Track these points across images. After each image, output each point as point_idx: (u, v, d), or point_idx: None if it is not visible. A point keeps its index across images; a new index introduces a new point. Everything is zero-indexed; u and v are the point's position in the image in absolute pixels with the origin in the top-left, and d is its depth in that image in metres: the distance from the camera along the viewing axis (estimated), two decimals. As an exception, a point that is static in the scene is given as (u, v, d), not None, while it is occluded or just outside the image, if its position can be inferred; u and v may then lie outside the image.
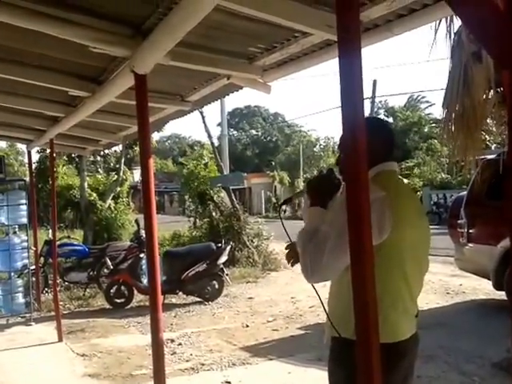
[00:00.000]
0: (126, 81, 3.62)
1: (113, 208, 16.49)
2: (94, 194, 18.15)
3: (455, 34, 5.82)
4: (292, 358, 5.71)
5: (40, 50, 3.85)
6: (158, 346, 3.40)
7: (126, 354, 6.10)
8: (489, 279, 7.42)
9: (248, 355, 5.84)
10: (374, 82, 26.81)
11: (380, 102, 44.33)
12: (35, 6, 2.86)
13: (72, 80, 4.39)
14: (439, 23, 5.70)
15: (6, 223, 8.01)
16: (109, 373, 5.43)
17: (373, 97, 27.36)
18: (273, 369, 5.47)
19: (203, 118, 15.48)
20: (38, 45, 3.69)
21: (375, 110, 32.74)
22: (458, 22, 5.83)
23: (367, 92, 26.21)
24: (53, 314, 7.94)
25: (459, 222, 7.79)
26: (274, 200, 37.81)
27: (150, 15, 2.92)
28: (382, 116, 41.06)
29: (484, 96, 5.69)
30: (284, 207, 36.74)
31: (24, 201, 8.16)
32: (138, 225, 9.45)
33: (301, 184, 36.86)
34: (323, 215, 2.14)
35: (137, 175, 34.88)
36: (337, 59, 1.54)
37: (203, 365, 5.57)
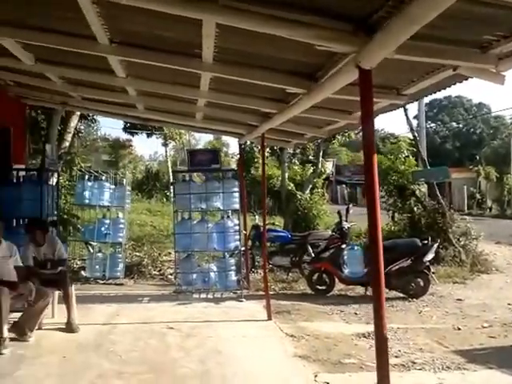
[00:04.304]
0: (347, 76, 3.63)
1: (309, 198, 16.96)
2: (292, 184, 18.89)
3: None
4: (515, 369, 5.25)
5: (263, 51, 4.10)
6: (381, 341, 3.30)
7: (333, 340, 6.21)
8: None
9: (463, 360, 5.52)
10: None
11: None
12: (266, 10, 3.01)
13: (289, 78, 4.57)
14: None
15: (222, 208, 8.77)
16: (318, 357, 5.56)
17: None
18: (493, 378, 5.08)
19: (405, 110, 15.02)
20: (262, 46, 3.91)
21: None
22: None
23: None
24: (260, 293, 8.50)
25: None
26: (478, 196, 35.35)
27: (377, 9, 2.85)
28: None
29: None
30: (490, 205, 34.16)
31: (236, 188, 8.83)
32: (340, 216, 9.57)
33: (511, 180, 34.00)
34: None
35: (328, 167, 35.47)
36: None
37: (414, 363, 5.41)
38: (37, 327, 6.07)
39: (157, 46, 4.32)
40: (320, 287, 8.95)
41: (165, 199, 27.06)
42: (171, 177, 28.74)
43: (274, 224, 12.30)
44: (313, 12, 3.00)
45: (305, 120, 6.48)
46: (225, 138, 44.24)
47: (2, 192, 7.74)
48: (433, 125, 54.28)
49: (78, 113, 12.30)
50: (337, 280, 8.92)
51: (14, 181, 8.09)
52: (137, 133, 28.72)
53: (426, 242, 8.68)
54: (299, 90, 4.72)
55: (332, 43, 3.21)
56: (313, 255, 9.87)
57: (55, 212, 8.79)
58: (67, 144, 12.58)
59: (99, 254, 9.84)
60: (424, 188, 14.18)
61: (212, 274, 8.67)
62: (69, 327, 6.29)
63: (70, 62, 5.45)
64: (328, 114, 6.01)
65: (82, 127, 17.68)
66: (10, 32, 4.46)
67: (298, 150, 22.25)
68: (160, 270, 10.70)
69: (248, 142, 17.73)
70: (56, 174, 9.55)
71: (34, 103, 9.10)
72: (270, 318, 7.01)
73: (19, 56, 5.19)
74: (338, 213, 9.79)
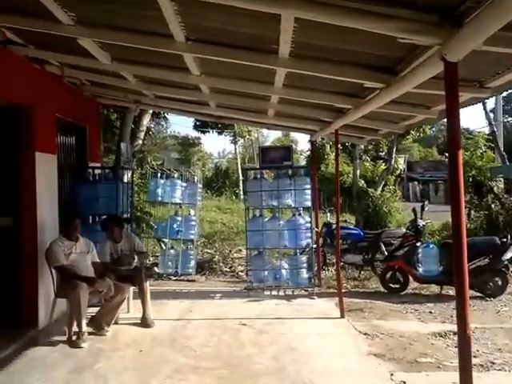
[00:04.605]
0: (431, 70, 3.47)
1: (379, 195, 16.65)
2: (362, 181, 18.59)
3: None
4: None
5: (341, 45, 3.99)
6: (464, 342, 3.13)
7: (408, 339, 6.04)
8: None
9: (546, 362, 5.24)
10: None
11: None
12: (347, 3, 2.94)
13: (367, 72, 4.44)
14: None
15: (293, 205, 8.75)
16: (393, 355, 5.43)
17: None
18: None
19: (484, 104, 14.42)
20: (339, 41, 3.82)
21: None
22: None
23: None
24: (331, 290, 8.43)
25: None
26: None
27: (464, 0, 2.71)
28: None
29: None
30: None
31: (308, 186, 8.77)
32: (415, 213, 9.31)
33: None
34: None
35: (401, 164, 34.59)
36: None
37: (493, 363, 5.19)
38: (113, 322, 6.29)
39: (232, 42, 4.32)
40: (393, 285, 8.76)
41: (234, 197, 27.36)
42: (240, 174, 29.09)
43: (345, 221, 12.15)
44: (396, 4, 2.92)
45: (380, 115, 6.30)
46: (293, 135, 44.17)
47: (79, 190, 8.00)
48: (510, 119, 51.81)
49: (150, 111, 12.59)
50: (411, 278, 8.69)
51: (90, 179, 8.34)
52: (208, 131, 29.14)
53: (505, 240, 8.29)
54: (378, 85, 4.57)
55: (416, 36, 3.09)
56: (386, 253, 9.67)
57: (129, 209, 9.04)
58: (140, 142, 12.90)
59: (171, 251, 10.05)
60: (501, 184, 13.58)
61: (283, 272, 8.65)
62: (144, 322, 6.46)
63: (144, 60, 5.56)
64: (405, 108, 5.80)
65: (152, 125, 18.11)
66: (89, 32, 4.59)
67: (369, 146, 21.91)
68: (231, 267, 10.83)
69: (319, 139, 17.61)
70: (130, 172, 9.81)
71: (108, 102, 9.32)
72: (342, 316, 6.92)
73: (96, 55, 5.33)
74: (413, 210, 9.52)
